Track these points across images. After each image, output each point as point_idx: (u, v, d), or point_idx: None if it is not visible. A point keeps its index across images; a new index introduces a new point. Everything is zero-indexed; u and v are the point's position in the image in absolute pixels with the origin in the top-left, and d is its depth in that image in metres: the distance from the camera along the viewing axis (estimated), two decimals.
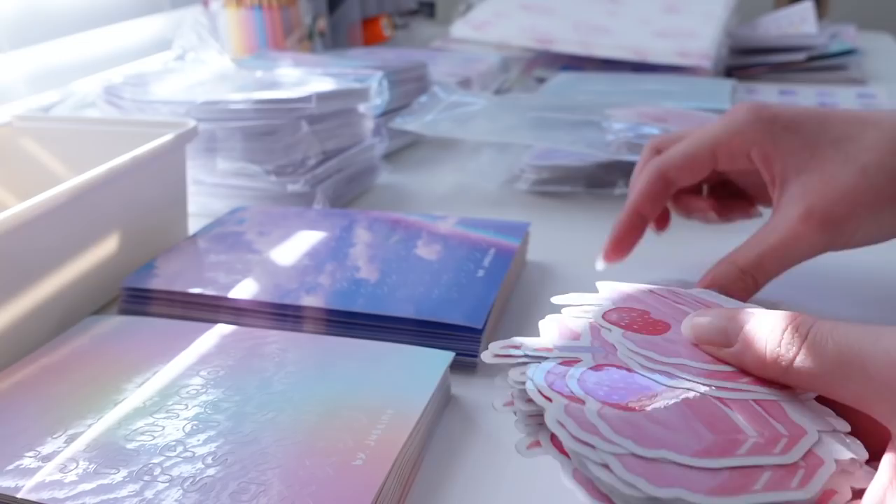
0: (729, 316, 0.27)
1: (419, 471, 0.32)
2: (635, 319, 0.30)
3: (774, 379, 0.25)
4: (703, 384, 0.25)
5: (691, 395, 0.25)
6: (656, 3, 1.05)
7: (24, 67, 0.74)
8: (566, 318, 0.31)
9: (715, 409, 0.24)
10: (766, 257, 0.37)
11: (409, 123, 0.64)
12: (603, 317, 0.31)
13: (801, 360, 0.24)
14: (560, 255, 0.51)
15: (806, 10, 1.04)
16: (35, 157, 0.54)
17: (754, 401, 0.25)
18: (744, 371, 0.26)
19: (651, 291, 0.33)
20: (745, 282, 0.37)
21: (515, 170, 0.64)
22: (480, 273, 0.44)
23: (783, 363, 0.24)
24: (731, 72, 0.98)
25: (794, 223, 0.37)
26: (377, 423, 0.31)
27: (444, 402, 0.37)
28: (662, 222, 0.47)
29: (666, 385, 0.25)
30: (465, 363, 0.39)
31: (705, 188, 0.47)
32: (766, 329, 0.25)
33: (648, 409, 0.24)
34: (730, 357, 0.26)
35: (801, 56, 0.95)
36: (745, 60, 0.98)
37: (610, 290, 0.33)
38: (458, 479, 0.32)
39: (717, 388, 0.25)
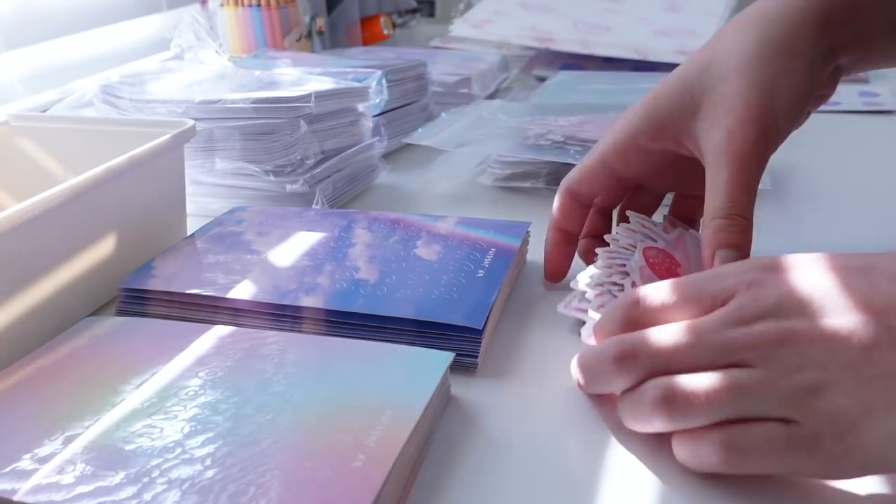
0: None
1: (419, 472, 0.32)
2: (664, 265, 0.39)
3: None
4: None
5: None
6: (656, 2, 1.04)
7: (22, 67, 0.74)
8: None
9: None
10: (730, 189, 0.36)
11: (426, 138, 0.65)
12: (644, 251, 0.40)
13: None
14: None
15: None
16: (32, 156, 0.54)
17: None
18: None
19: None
20: (738, 225, 0.36)
21: (482, 166, 0.64)
22: (480, 273, 0.43)
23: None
24: None
25: (727, 146, 0.37)
26: (377, 423, 0.31)
27: (444, 403, 0.36)
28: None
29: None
30: (465, 364, 0.38)
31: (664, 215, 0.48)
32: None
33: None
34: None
35: None
36: None
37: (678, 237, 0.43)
38: (458, 480, 0.32)
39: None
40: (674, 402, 0.29)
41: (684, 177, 0.43)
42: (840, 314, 0.27)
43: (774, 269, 0.30)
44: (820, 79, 0.39)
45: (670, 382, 0.29)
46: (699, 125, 0.39)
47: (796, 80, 0.38)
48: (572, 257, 0.46)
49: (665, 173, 0.43)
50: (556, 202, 0.45)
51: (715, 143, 0.37)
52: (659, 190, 0.47)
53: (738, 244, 0.36)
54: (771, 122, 0.37)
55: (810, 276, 0.29)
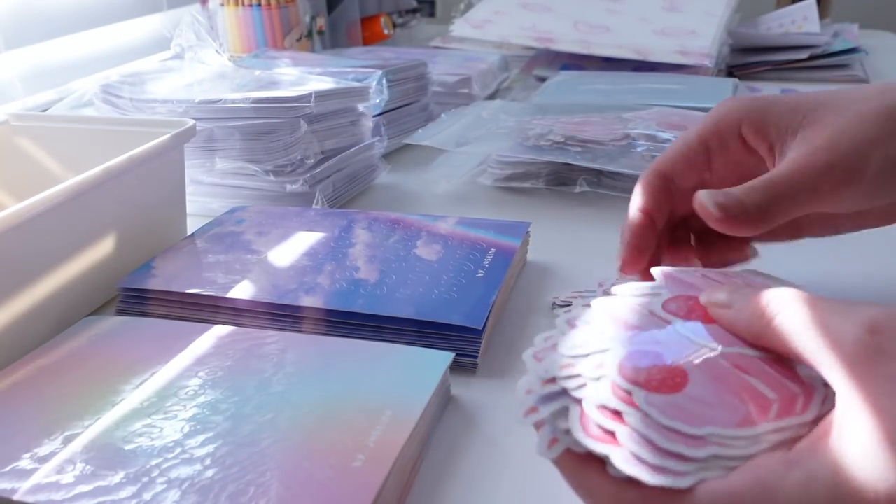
0: (741, 286, 0.29)
1: (419, 471, 0.32)
2: (692, 308, 0.30)
3: (755, 338, 0.27)
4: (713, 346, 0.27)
5: (710, 355, 0.27)
6: (657, 2, 1.04)
7: (22, 67, 0.74)
8: (618, 308, 0.30)
9: (737, 378, 0.26)
10: (777, 177, 0.35)
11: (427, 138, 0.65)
12: (662, 307, 0.30)
13: (778, 321, 0.26)
14: (560, 255, 0.51)
15: (808, 9, 1.03)
16: (32, 156, 0.54)
17: (762, 360, 0.27)
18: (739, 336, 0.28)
19: (704, 275, 0.32)
20: (754, 197, 0.35)
21: (482, 166, 0.64)
22: (480, 273, 0.43)
23: (764, 321, 0.26)
24: (732, 71, 0.97)
25: (802, 158, 0.35)
26: (376, 423, 0.31)
27: (443, 403, 0.36)
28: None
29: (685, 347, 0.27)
30: (465, 364, 0.38)
31: (693, 238, 0.43)
32: (764, 295, 0.27)
33: (685, 390, 0.26)
34: (727, 317, 0.28)
35: (803, 55, 0.95)
36: (746, 59, 0.98)
37: (663, 276, 0.33)
38: (458, 480, 0.32)
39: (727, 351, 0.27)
40: None
41: None
42: None
43: None
44: None
45: None
46: (796, 141, 0.37)
47: None
48: (654, 248, 0.39)
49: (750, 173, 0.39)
50: (642, 182, 0.39)
51: (793, 155, 0.36)
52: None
53: (743, 203, 0.34)
54: (857, 166, 0.35)
55: None
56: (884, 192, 0.36)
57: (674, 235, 0.42)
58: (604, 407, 0.26)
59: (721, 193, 0.35)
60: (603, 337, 0.29)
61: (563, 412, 0.26)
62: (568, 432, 0.26)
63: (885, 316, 0.23)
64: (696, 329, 0.28)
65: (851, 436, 0.22)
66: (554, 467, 0.32)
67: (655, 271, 0.33)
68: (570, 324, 0.30)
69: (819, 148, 0.35)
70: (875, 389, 0.22)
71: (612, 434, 0.25)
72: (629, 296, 0.31)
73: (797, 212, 0.35)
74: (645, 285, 0.32)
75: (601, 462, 0.25)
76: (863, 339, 0.23)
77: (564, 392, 0.27)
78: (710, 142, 0.39)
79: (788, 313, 0.25)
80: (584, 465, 0.26)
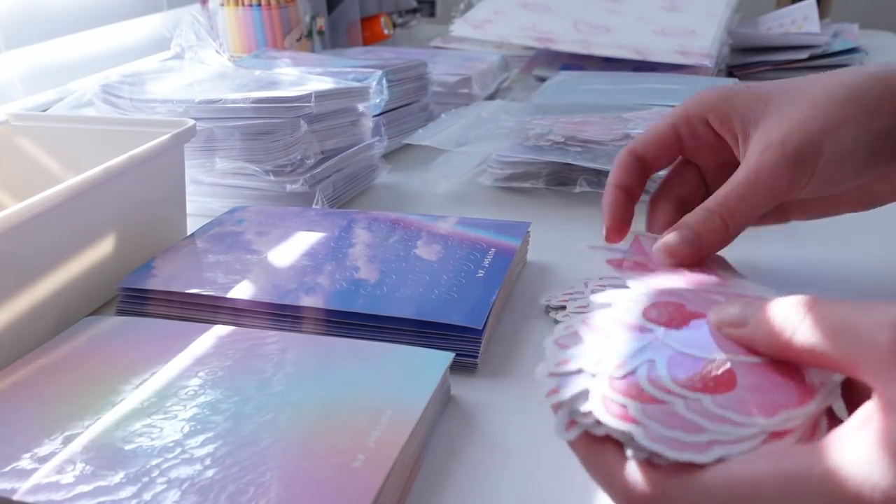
0: (748, 302, 0.29)
1: (419, 472, 0.32)
2: (673, 315, 0.30)
3: (779, 352, 0.27)
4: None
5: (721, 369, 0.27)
6: (657, 2, 1.04)
7: (22, 66, 0.74)
8: (600, 320, 0.30)
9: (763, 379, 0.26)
10: (731, 195, 0.37)
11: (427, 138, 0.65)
12: (644, 315, 0.31)
13: (802, 331, 0.25)
14: (560, 255, 0.51)
15: (808, 9, 1.03)
16: (32, 156, 0.54)
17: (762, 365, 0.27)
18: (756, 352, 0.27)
19: (684, 282, 0.33)
20: (713, 222, 0.37)
21: (482, 166, 0.64)
22: (480, 273, 0.43)
23: (787, 334, 0.26)
24: (732, 71, 0.97)
25: (755, 157, 0.37)
26: (376, 424, 0.31)
27: (443, 403, 0.36)
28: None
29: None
30: (465, 364, 0.38)
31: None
32: (777, 307, 0.27)
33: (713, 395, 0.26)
34: (745, 336, 0.28)
35: (803, 55, 0.95)
36: (746, 59, 0.98)
37: (644, 284, 0.34)
38: (458, 480, 0.32)
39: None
40: None
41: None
42: None
43: None
44: (885, 151, 0.37)
45: None
46: (757, 132, 0.38)
47: (861, 134, 0.36)
48: (631, 219, 0.43)
49: (724, 168, 0.42)
50: (616, 162, 0.43)
51: (751, 149, 0.38)
52: (710, 178, 0.45)
53: (699, 234, 0.36)
54: (809, 157, 0.36)
55: None
56: (840, 179, 0.38)
57: (682, 181, 0.44)
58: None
59: (677, 233, 0.37)
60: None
61: (584, 395, 0.26)
62: (587, 414, 0.26)
63: None
64: (687, 338, 0.28)
65: (887, 431, 0.22)
66: (554, 466, 0.32)
67: (630, 234, 0.37)
68: (560, 344, 0.30)
69: (771, 145, 0.37)
70: None
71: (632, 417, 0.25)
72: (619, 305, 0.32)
73: (760, 213, 0.37)
74: (623, 295, 0.32)
75: (618, 445, 0.25)
76: (894, 340, 0.23)
77: (584, 373, 0.27)
78: (680, 129, 0.42)
79: (810, 321, 0.25)
80: (601, 448, 0.26)
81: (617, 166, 0.43)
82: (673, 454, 0.24)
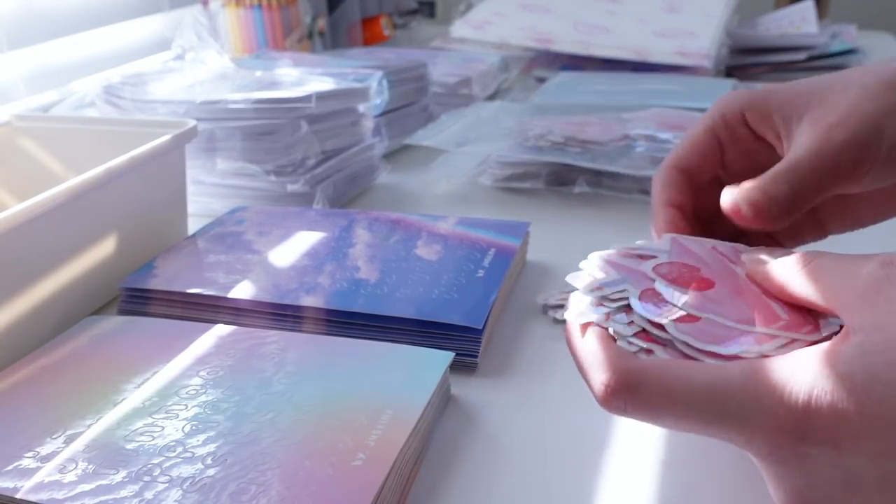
0: (780, 250, 0.31)
1: (419, 471, 0.32)
2: (683, 275, 0.31)
3: (782, 289, 0.29)
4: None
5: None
6: (656, 3, 1.04)
7: (24, 67, 0.74)
8: (615, 257, 0.32)
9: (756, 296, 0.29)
10: (797, 164, 0.35)
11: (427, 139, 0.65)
12: (653, 269, 0.32)
13: (807, 269, 0.28)
14: (560, 255, 0.51)
15: (806, 10, 1.03)
16: (34, 156, 0.54)
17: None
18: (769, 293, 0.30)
19: (713, 248, 0.33)
20: (779, 188, 0.34)
21: (482, 166, 0.64)
22: (480, 273, 0.43)
23: (795, 269, 0.28)
24: (731, 71, 0.98)
25: (815, 137, 0.35)
26: (377, 423, 0.31)
27: (444, 403, 0.36)
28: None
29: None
30: (465, 363, 0.39)
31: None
32: (797, 253, 0.29)
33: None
34: (761, 271, 0.30)
35: (801, 56, 0.95)
36: (745, 60, 0.98)
37: (671, 242, 0.34)
38: (458, 479, 0.32)
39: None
40: None
41: None
42: None
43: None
44: None
45: None
46: (802, 124, 0.36)
47: None
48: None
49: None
50: (662, 179, 0.39)
51: (804, 137, 0.35)
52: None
53: (770, 196, 0.34)
54: (872, 137, 0.34)
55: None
56: None
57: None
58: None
59: (746, 189, 0.35)
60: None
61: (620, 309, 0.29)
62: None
63: None
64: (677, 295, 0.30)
65: (841, 346, 0.24)
66: (554, 466, 0.32)
67: (665, 236, 0.34)
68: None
69: (832, 126, 0.35)
70: (872, 311, 0.24)
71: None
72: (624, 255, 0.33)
73: (822, 195, 0.35)
74: (647, 246, 0.34)
75: (609, 338, 0.28)
76: (874, 272, 0.25)
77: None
78: (720, 133, 0.39)
79: (815, 264, 0.28)
80: (591, 330, 0.29)
81: (663, 185, 0.39)
82: (699, 344, 0.27)
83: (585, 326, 0.30)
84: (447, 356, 0.36)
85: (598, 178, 0.61)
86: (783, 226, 0.35)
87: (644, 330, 0.28)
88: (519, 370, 0.39)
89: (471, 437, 0.35)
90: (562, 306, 0.43)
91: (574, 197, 0.61)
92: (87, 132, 0.54)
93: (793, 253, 0.30)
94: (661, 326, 0.28)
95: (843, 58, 0.95)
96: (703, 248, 0.33)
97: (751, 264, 0.31)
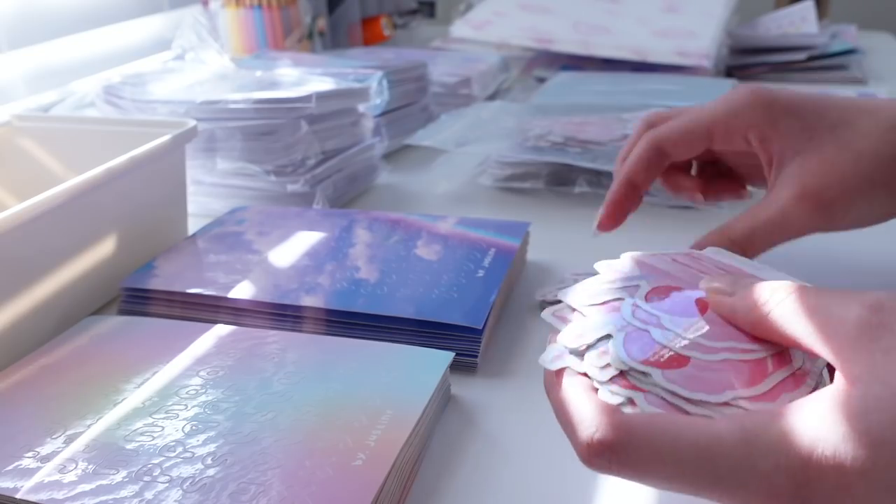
0: (742, 277, 0.29)
1: (419, 471, 0.32)
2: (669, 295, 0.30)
3: (755, 327, 0.27)
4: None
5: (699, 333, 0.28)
6: (656, 3, 1.04)
7: (24, 67, 0.74)
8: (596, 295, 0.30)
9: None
10: (757, 231, 0.38)
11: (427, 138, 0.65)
12: (646, 299, 0.30)
13: (779, 311, 0.26)
14: (560, 255, 0.51)
15: (806, 10, 1.03)
16: (34, 156, 0.54)
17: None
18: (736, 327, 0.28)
19: (673, 259, 0.33)
20: (734, 245, 0.38)
21: (482, 166, 0.65)
22: (480, 273, 0.43)
23: (765, 310, 0.26)
24: (731, 71, 0.98)
25: (788, 202, 0.38)
26: (377, 423, 0.31)
27: (444, 403, 0.36)
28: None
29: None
30: (465, 363, 0.39)
31: (695, 166, 0.47)
32: (763, 286, 0.27)
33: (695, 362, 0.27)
34: (726, 304, 0.28)
35: (801, 56, 0.95)
36: (745, 60, 0.98)
37: (636, 266, 0.32)
38: (458, 479, 0.32)
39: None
40: None
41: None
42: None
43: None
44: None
45: None
46: (793, 166, 0.39)
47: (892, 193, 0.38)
48: (631, 212, 0.43)
49: (748, 157, 0.42)
50: (639, 154, 0.41)
51: (784, 187, 0.38)
52: (733, 167, 0.46)
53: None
54: (843, 212, 0.38)
55: None
56: (868, 223, 0.39)
57: (675, 164, 0.44)
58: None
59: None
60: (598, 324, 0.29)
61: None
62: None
63: (889, 296, 0.24)
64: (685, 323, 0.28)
65: (845, 399, 0.22)
66: (553, 466, 0.32)
67: (625, 257, 0.33)
68: (560, 317, 0.30)
69: (806, 196, 0.37)
70: (870, 360, 0.23)
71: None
72: (606, 283, 0.31)
73: (774, 245, 0.39)
74: (622, 275, 0.32)
75: (592, 390, 0.26)
76: (864, 317, 0.24)
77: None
78: (716, 132, 0.41)
79: (787, 302, 0.26)
80: (577, 383, 0.27)
81: (638, 158, 0.42)
82: (688, 393, 0.25)
83: (561, 373, 0.27)
84: (447, 356, 0.36)
85: (598, 178, 0.61)
86: None
87: (622, 373, 0.26)
88: (519, 370, 0.39)
89: (471, 437, 0.35)
90: (560, 302, 0.43)
91: (574, 197, 0.61)
92: (87, 132, 0.54)
93: (752, 283, 0.28)
94: (644, 373, 0.26)
95: (843, 58, 0.95)
96: (665, 262, 0.32)
97: (712, 296, 0.29)
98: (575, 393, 0.26)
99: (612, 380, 0.26)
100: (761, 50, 0.99)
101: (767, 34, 1.01)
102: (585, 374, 0.27)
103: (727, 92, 0.42)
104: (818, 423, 0.22)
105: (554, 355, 0.28)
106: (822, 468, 0.22)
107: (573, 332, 0.28)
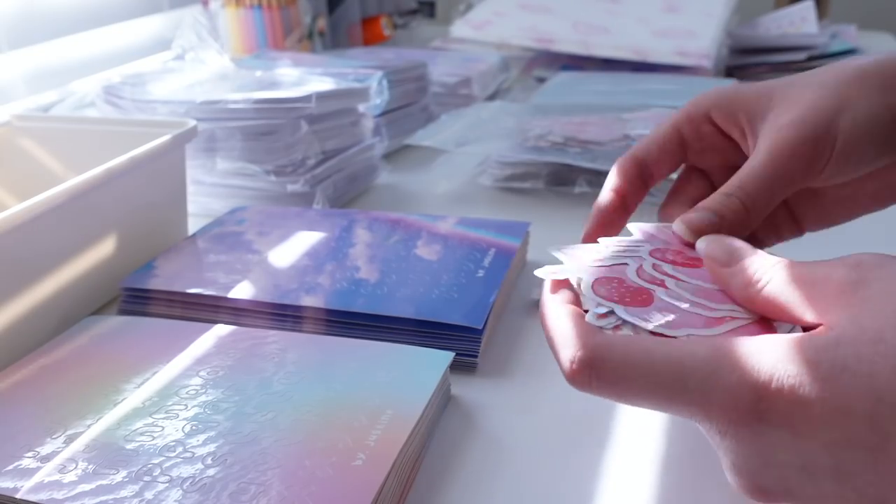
0: (739, 245, 0.30)
1: (419, 471, 0.32)
2: (681, 255, 0.33)
3: (749, 300, 0.29)
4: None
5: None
6: (656, 3, 1.04)
7: (24, 67, 0.74)
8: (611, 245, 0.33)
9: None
10: (748, 176, 0.36)
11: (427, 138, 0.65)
12: (650, 254, 0.33)
13: (773, 283, 0.27)
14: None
15: (806, 10, 1.03)
16: (34, 156, 0.54)
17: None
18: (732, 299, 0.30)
19: (673, 233, 0.34)
20: (733, 204, 0.36)
21: (482, 166, 0.65)
22: (480, 273, 0.43)
23: (761, 283, 0.28)
24: (731, 71, 0.98)
25: (770, 137, 0.37)
26: (377, 423, 0.31)
27: (444, 403, 0.36)
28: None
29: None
30: (465, 363, 0.39)
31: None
32: (758, 258, 0.29)
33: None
34: (723, 275, 0.30)
35: (801, 56, 0.95)
36: (745, 60, 0.98)
37: (641, 232, 0.35)
38: (458, 479, 0.32)
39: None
40: None
41: None
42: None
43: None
44: None
45: None
46: (765, 123, 0.38)
47: (877, 110, 0.36)
48: (619, 228, 0.41)
49: (731, 171, 0.40)
50: (616, 168, 0.41)
51: (763, 136, 0.37)
52: (719, 181, 0.43)
53: (722, 216, 0.35)
54: (826, 133, 0.36)
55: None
56: (860, 159, 0.37)
57: (689, 189, 0.43)
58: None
59: (696, 214, 0.36)
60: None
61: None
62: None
63: (870, 255, 0.26)
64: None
65: (814, 335, 0.24)
66: (553, 466, 0.32)
67: (632, 227, 0.35)
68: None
69: (784, 126, 0.36)
70: (847, 309, 0.24)
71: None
72: (611, 247, 0.34)
73: (780, 196, 0.37)
74: (625, 242, 0.34)
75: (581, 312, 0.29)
76: (846, 275, 0.25)
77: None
78: (683, 129, 0.41)
79: (778, 277, 0.27)
80: (565, 302, 0.30)
81: (616, 171, 0.41)
82: (645, 325, 0.27)
83: (558, 285, 0.31)
84: (447, 356, 0.36)
85: (598, 178, 0.61)
86: (750, 231, 0.36)
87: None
88: (519, 370, 0.39)
89: (471, 437, 0.35)
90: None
91: (574, 197, 0.61)
92: (87, 132, 0.54)
93: (747, 254, 0.29)
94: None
95: (843, 57, 0.95)
96: (666, 233, 0.35)
97: (708, 262, 0.31)
98: (560, 318, 0.29)
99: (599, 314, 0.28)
100: (761, 50, 0.99)
101: (767, 34, 1.01)
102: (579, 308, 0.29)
103: None
104: (786, 349, 0.24)
105: (551, 270, 0.31)
106: (782, 386, 0.23)
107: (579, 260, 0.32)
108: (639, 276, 0.31)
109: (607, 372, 0.26)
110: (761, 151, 0.37)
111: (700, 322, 0.28)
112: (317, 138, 0.58)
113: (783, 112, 0.37)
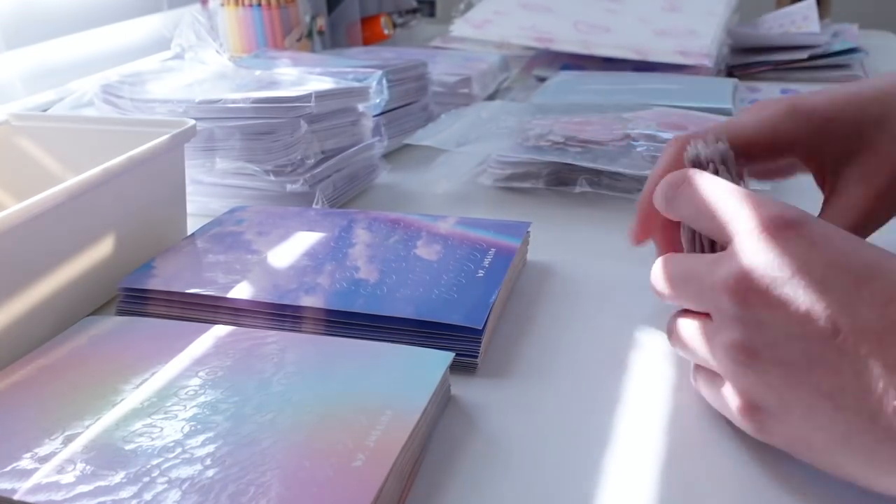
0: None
1: (419, 472, 0.32)
2: None
3: (667, 203, 0.35)
4: None
5: None
6: (657, 2, 1.04)
7: (22, 66, 0.74)
8: None
9: None
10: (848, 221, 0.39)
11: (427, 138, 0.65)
12: None
13: (692, 189, 0.33)
14: (560, 255, 0.51)
15: (808, 9, 1.03)
16: (32, 156, 0.54)
17: None
18: None
19: None
20: None
21: (482, 166, 0.64)
22: (480, 273, 0.43)
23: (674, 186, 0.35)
24: (732, 71, 0.97)
25: (864, 200, 0.39)
26: (377, 423, 0.31)
27: (443, 403, 0.36)
28: None
29: None
30: (465, 363, 0.39)
31: None
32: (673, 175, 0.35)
33: None
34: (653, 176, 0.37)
35: (803, 55, 0.95)
36: (746, 59, 0.98)
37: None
38: (458, 480, 0.32)
39: None
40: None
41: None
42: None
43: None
44: None
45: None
46: (851, 168, 0.39)
47: None
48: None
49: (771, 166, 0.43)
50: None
51: (851, 186, 0.39)
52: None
53: None
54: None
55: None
56: None
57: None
58: None
59: None
60: None
61: None
62: None
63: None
64: None
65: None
66: (554, 466, 0.32)
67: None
68: None
69: (879, 193, 0.39)
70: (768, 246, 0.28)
71: None
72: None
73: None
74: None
75: None
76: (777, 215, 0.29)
77: None
78: (755, 148, 0.40)
79: (701, 182, 0.31)
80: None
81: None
82: None
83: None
84: (447, 356, 0.36)
85: (598, 177, 0.61)
86: None
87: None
88: (519, 370, 0.39)
89: (471, 437, 0.34)
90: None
91: (574, 197, 0.61)
92: (85, 132, 0.54)
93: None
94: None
95: (845, 57, 0.95)
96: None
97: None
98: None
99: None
100: (763, 49, 0.98)
101: (769, 33, 1.01)
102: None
103: (759, 105, 0.41)
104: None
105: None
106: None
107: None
108: None
109: (811, 229, 0.29)
110: (853, 207, 0.39)
111: None
112: (316, 138, 0.58)
113: (870, 168, 0.39)
